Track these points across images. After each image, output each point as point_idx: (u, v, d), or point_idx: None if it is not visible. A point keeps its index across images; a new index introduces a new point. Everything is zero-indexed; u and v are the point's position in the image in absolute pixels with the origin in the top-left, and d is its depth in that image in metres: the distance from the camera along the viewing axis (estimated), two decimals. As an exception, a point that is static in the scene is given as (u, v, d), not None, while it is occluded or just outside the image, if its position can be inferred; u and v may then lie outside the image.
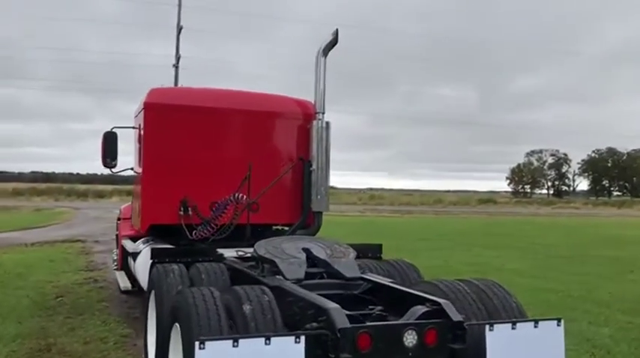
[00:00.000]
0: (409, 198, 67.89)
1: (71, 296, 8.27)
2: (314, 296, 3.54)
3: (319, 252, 4.63)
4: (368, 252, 5.74)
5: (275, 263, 4.33)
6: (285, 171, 6.70)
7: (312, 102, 6.73)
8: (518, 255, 15.23)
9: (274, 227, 7.12)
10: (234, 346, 2.89)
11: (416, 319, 3.42)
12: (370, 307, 3.93)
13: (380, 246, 5.89)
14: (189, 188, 6.32)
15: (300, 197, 6.74)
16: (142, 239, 7.18)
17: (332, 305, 3.29)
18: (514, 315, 3.81)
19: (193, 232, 6.23)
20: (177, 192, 6.27)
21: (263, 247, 4.61)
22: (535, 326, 3.53)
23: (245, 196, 6.12)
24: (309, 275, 4.38)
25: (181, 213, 6.26)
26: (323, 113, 6.69)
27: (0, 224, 21.68)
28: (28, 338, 6.00)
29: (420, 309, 3.50)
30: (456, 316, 3.37)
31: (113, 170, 7.32)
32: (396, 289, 4.03)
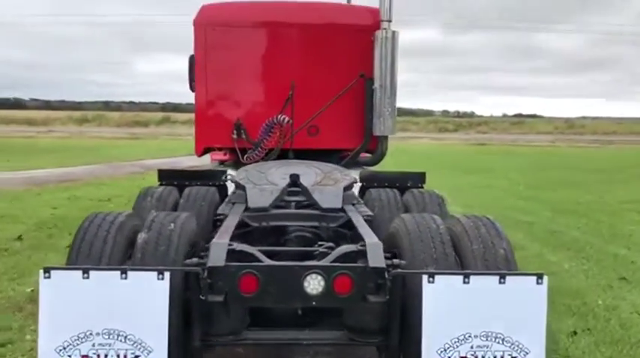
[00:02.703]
0: (617, 127, 60.09)
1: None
2: (223, 229, 3.04)
3: (308, 179, 4.03)
4: (407, 181, 4.98)
5: (245, 189, 3.87)
6: (343, 90, 6.03)
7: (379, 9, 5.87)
8: None
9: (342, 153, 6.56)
10: (84, 277, 2.59)
11: (333, 261, 2.76)
12: (319, 243, 3.32)
13: (422, 175, 5.06)
14: (243, 110, 6.07)
15: (363, 119, 6.07)
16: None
17: (218, 239, 2.78)
18: (496, 267, 2.91)
19: (245, 156, 6.01)
20: (231, 115, 6.06)
21: (245, 172, 4.16)
22: (501, 282, 2.64)
23: (287, 118, 5.67)
24: (281, 205, 3.86)
25: (235, 136, 6.07)
26: (389, 21, 5.79)
27: (178, 148, 23.87)
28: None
29: (344, 249, 2.82)
30: (376, 261, 2.63)
31: None
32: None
